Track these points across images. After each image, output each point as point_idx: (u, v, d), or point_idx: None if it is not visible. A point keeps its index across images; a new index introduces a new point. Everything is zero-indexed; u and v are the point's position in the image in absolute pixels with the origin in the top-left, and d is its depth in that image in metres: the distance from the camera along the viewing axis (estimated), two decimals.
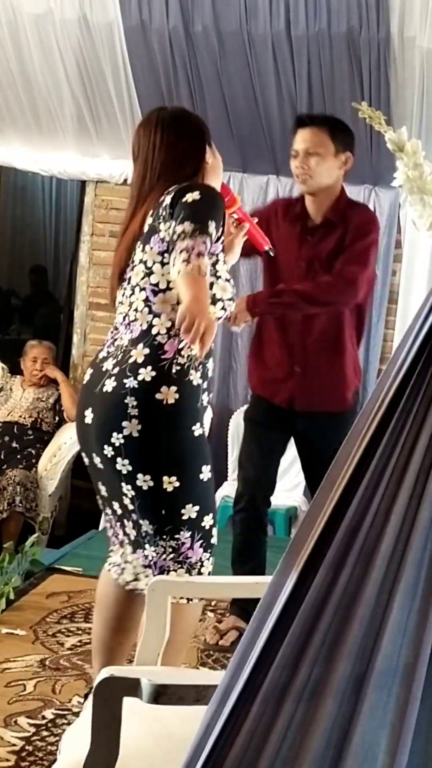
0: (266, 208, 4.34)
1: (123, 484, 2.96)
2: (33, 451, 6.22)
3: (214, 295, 2.92)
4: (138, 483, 2.93)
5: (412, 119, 5.44)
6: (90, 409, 3.01)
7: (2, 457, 6.14)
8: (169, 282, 2.90)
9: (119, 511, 3.06)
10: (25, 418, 6.36)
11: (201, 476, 2.99)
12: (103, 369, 2.99)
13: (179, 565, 2.98)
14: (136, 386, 2.89)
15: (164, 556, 2.98)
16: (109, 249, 6.75)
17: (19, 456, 6.16)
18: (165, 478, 2.92)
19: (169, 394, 2.90)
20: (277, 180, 6.17)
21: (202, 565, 3.01)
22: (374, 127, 2.26)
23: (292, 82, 5.67)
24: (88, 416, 3.01)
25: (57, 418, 6.42)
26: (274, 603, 1.37)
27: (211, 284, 2.89)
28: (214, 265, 2.90)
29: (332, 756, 1.29)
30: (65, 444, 6.25)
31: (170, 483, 2.92)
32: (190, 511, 2.96)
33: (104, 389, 2.95)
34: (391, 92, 5.48)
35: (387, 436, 1.35)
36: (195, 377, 2.95)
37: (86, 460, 3.14)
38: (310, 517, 1.39)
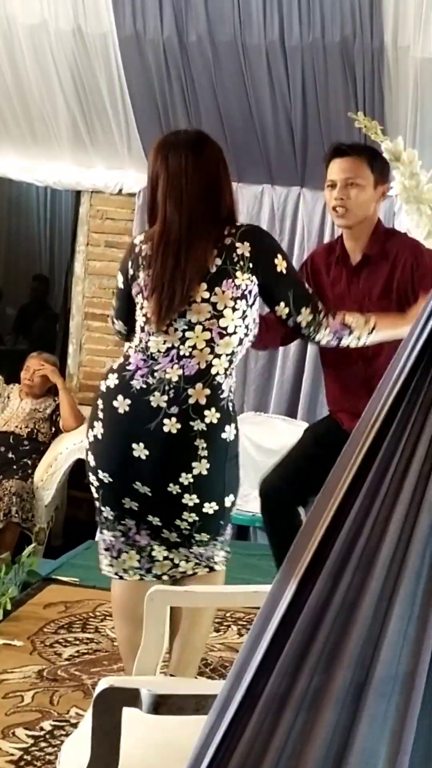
0: (307, 265, 4.09)
1: (184, 513, 3.12)
2: (29, 462, 6.21)
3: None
4: (204, 510, 3.12)
5: (406, 129, 5.45)
6: (142, 445, 3.07)
7: None
8: (236, 327, 3.08)
9: (158, 523, 3.17)
10: (21, 428, 6.35)
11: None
12: (153, 404, 3.06)
13: (221, 549, 3.27)
14: (205, 429, 3.06)
15: (213, 549, 3.23)
16: (104, 259, 6.78)
17: (15, 466, 6.15)
18: (226, 499, 3.16)
19: (231, 432, 3.12)
20: (272, 189, 6.19)
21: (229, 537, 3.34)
22: (370, 136, 2.27)
23: (287, 91, 5.69)
24: (139, 451, 3.08)
25: (53, 429, 6.40)
26: (273, 612, 1.36)
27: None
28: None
29: (332, 765, 1.29)
30: (61, 454, 6.24)
31: (229, 500, 3.19)
32: (233, 512, 3.27)
33: (165, 429, 3.05)
34: (385, 102, 5.49)
35: (386, 443, 1.36)
36: (235, 408, 3.21)
37: (107, 480, 3.18)
38: (310, 526, 1.39)
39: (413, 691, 1.29)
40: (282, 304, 3.15)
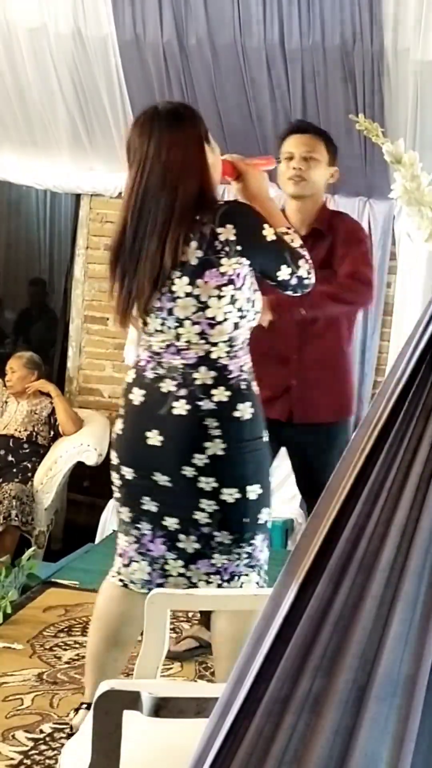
0: None
1: (203, 500, 3.00)
2: (29, 465, 6.21)
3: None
4: (222, 497, 3.00)
5: (406, 131, 5.46)
6: (156, 432, 3.01)
7: None
8: (226, 313, 2.97)
9: (175, 527, 3.05)
10: (20, 431, 6.35)
11: (270, 479, 3.18)
12: (163, 390, 3.01)
13: (251, 569, 3.09)
14: (215, 407, 2.98)
15: (237, 562, 3.06)
16: (104, 262, 6.71)
17: (14, 470, 6.15)
18: (249, 488, 3.02)
19: (245, 410, 3.01)
20: (272, 190, 6.18)
21: (265, 563, 3.14)
22: (371, 139, 2.27)
23: (286, 94, 5.69)
24: (154, 438, 3.02)
25: (52, 432, 6.40)
26: (275, 615, 1.36)
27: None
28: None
29: None
30: (61, 457, 6.24)
31: (253, 491, 3.04)
32: (265, 515, 3.09)
33: (175, 411, 2.98)
34: (385, 104, 5.50)
35: (387, 446, 1.35)
36: (256, 388, 3.09)
37: (130, 476, 3.09)
38: (311, 529, 1.38)
39: (415, 695, 1.29)
40: (283, 267, 3.02)
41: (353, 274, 4.00)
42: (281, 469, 4.50)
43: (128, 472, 3.10)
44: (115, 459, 3.16)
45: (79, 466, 6.31)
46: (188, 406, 2.98)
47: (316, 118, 5.68)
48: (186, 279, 2.94)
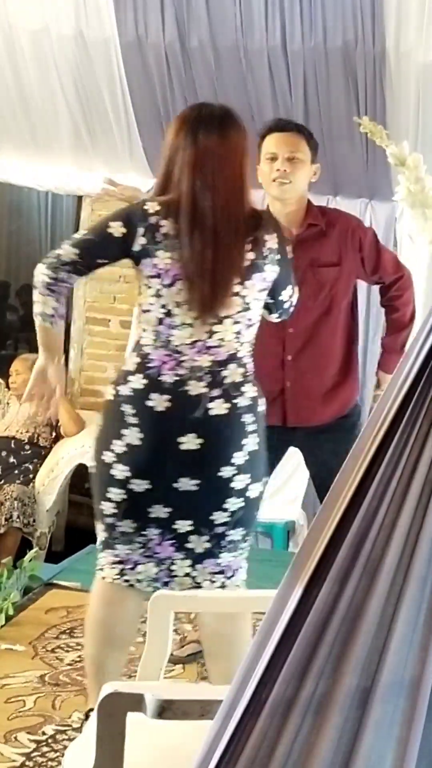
0: None
1: (230, 499, 3.00)
2: (30, 467, 6.21)
3: None
4: (248, 494, 3.03)
5: (408, 134, 5.45)
6: (193, 435, 2.95)
7: (0, 472, 6.14)
8: (258, 316, 3.08)
9: (187, 529, 3.01)
10: (22, 432, 6.35)
11: None
12: (192, 393, 2.95)
13: (245, 561, 3.14)
14: (249, 403, 3.02)
15: (240, 557, 3.11)
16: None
17: (16, 471, 6.15)
18: (265, 479, 3.12)
19: (264, 405, 3.10)
20: None
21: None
22: (375, 141, 2.27)
23: (288, 96, 5.68)
24: (189, 443, 2.95)
25: (54, 434, 6.40)
26: (279, 616, 1.36)
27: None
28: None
29: None
30: (62, 459, 6.24)
31: (265, 483, 3.12)
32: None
33: (212, 413, 2.96)
34: (387, 107, 5.49)
35: (391, 448, 1.35)
36: None
37: (142, 488, 2.98)
38: (316, 530, 1.38)
39: (419, 697, 1.29)
40: (289, 287, 3.18)
41: (395, 269, 4.14)
42: (283, 470, 4.49)
43: (140, 484, 2.98)
44: (121, 473, 2.99)
45: (81, 467, 6.31)
46: (227, 405, 2.98)
47: (317, 120, 5.68)
48: (237, 279, 2.99)
